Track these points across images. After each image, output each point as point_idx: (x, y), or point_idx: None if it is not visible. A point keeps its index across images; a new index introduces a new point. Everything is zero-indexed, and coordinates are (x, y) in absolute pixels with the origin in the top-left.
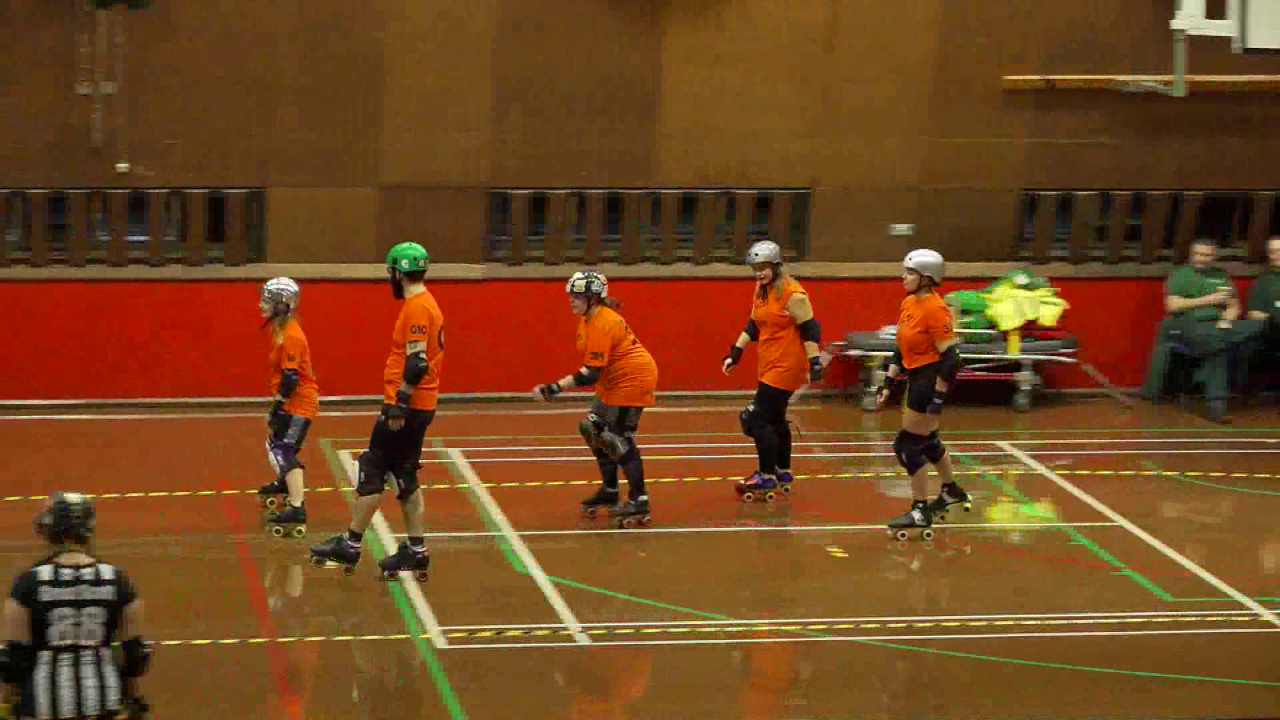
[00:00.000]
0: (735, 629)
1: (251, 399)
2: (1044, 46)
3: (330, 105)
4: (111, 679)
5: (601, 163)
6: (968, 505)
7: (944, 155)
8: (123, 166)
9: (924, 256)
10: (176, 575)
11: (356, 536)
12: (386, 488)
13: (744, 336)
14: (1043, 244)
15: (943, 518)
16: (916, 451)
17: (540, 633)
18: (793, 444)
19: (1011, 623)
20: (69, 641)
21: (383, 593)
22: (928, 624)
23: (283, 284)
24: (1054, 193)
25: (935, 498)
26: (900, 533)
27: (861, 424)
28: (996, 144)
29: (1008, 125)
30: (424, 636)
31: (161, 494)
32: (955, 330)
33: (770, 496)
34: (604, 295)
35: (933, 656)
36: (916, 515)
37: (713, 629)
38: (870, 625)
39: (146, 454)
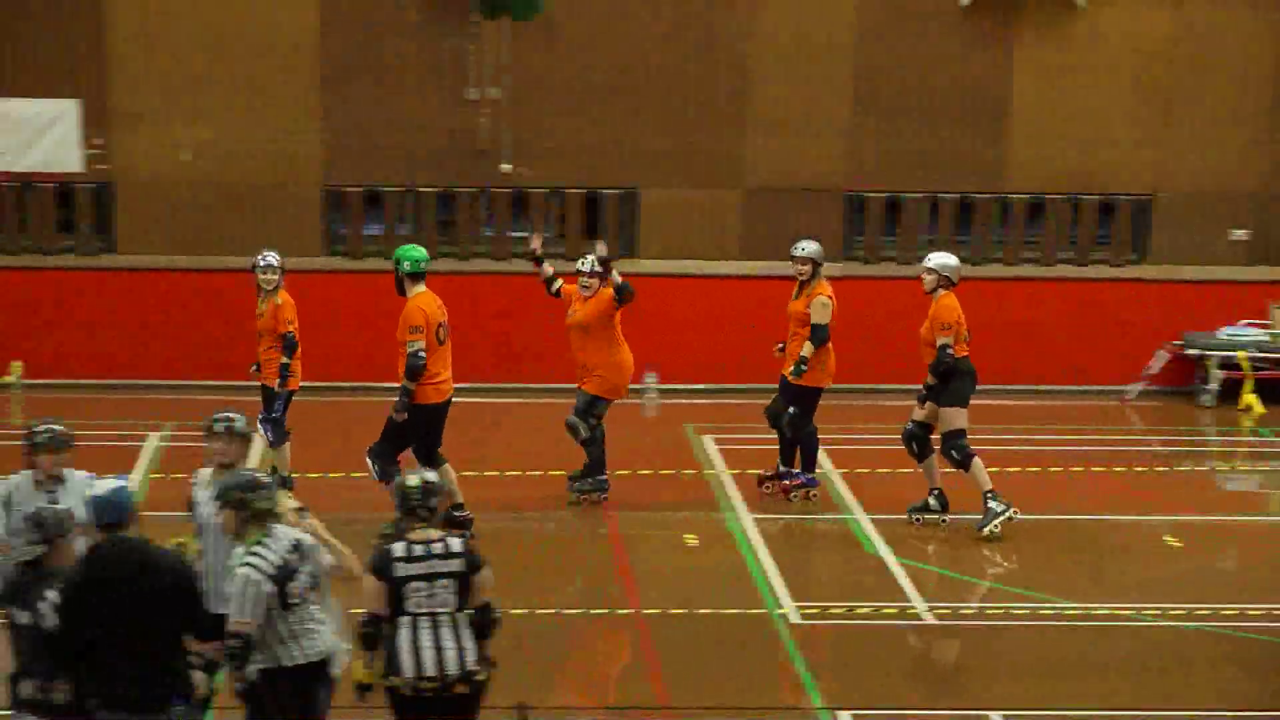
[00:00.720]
0: (1073, 612)
1: (633, 385)
2: None
3: (699, 111)
4: (468, 641)
5: (953, 168)
6: (945, 520)
7: None
8: (506, 167)
9: (943, 258)
10: (550, 549)
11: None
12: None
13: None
14: None
15: (920, 520)
16: (963, 446)
17: (888, 611)
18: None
19: None
20: (425, 610)
21: (742, 569)
22: (1258, 611)
23: (274, 255)
24: None
25: (922, 502)
26: (991, 528)
27: (1196, 420)
28: None
29: None
30: (780, 612)
31: (537, 472)
32: (957, 331)
33: (813, 495)
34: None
35: (1264, 643)
36: (994, 505)
37: (1051, 611)
38: (1202, 611)
39: (527, 434)
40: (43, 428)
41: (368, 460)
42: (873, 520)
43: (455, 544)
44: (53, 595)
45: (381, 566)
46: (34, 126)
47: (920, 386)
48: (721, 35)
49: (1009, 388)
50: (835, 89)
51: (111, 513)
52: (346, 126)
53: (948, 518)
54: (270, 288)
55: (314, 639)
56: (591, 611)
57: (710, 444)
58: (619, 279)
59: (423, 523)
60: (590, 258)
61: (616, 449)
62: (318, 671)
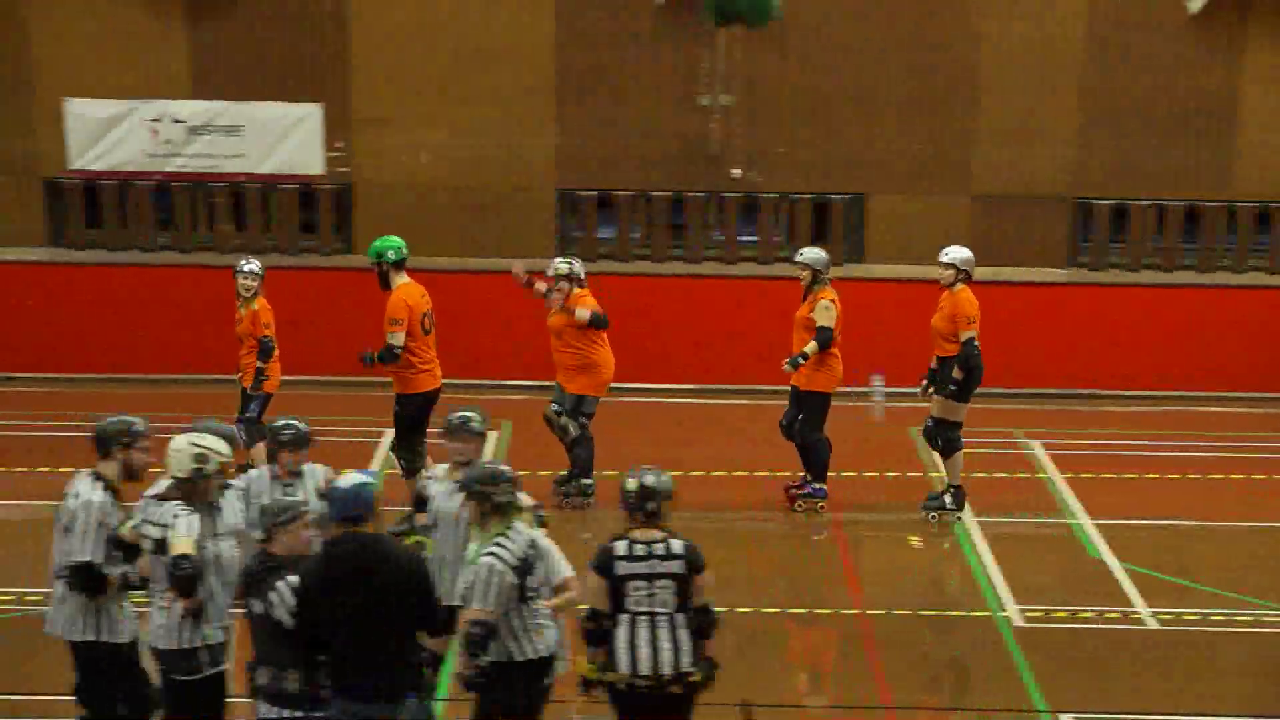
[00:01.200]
0: None
1: (861, 389)
2: None
3: (928, 119)
4: (685, 642)
5: (1180, 175)
6: (959, 517)
7: None
8: (736, 172)
9: (959, 252)
10: (776, 548)
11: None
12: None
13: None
14: None
15: (935, 517)
16: (954, 438)
17: (1111, 615)
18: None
19: None
20: (644, 609)
21: (965, 571)
22: None
23: (256, 262)
24: None
25: (938, 499)
26: (931, 515)
27: None
28: None
29: None
30: (1003, 614)
31: (764, 472)
32: (977, 325)
33: (821, 507)
34: (583, 280)
35: None
36: (947, 499)
37: (1277, 617)
38: None
39: (747, 435)
40: (285, 424)
41: (393, 456)
42: (1096, 524)
43: (677, 545)
44: (283, 585)
45: (603, 564)
46: (278, 129)
47: (945, 383)
48: (951, 42)
49: (1236, 395)
50: (1063, 96)
51: (352, 507)
52: (581, 131)
53: (961, 515)
54: (249, 294)
55: (544, 636)
56: (816, 611)
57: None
58: (586, 315)
59: (646, 522)
60: (557, 264)
61: (842, 451)
62: (544, 669)
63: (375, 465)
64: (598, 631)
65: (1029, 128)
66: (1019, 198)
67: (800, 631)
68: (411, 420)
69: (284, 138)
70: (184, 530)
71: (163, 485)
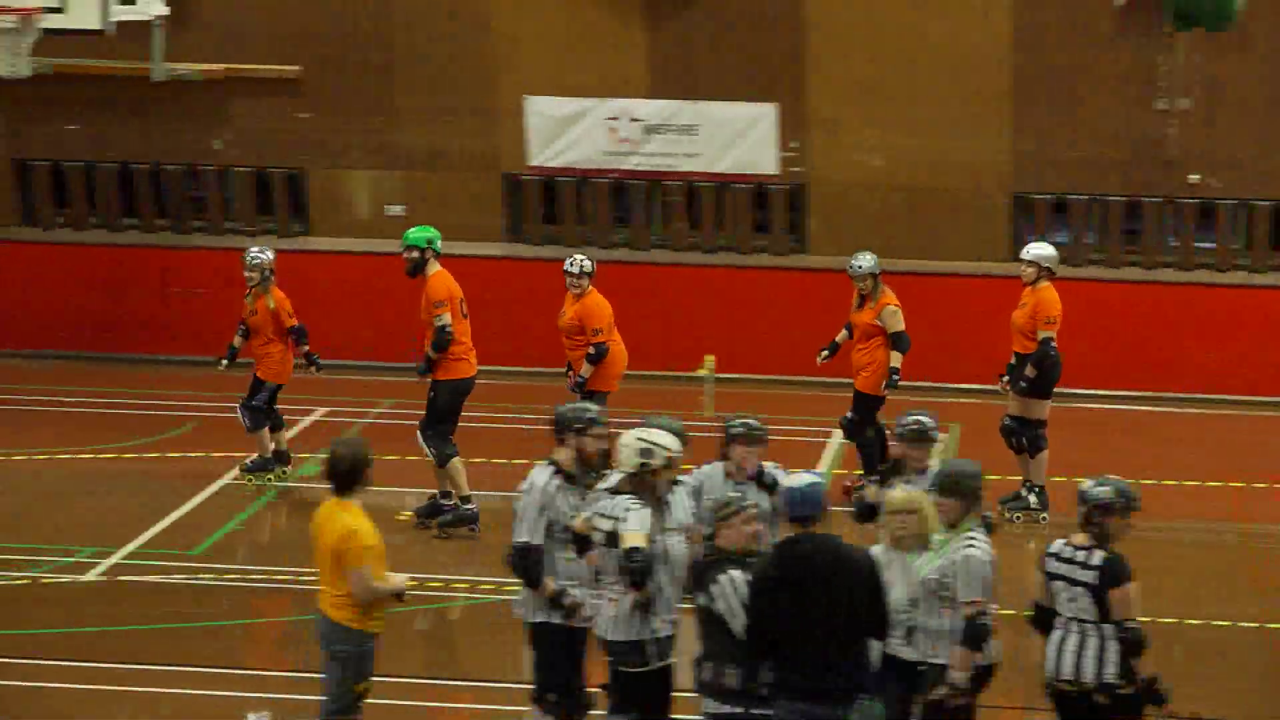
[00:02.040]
0: None
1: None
2: None
3: None
4: (1112, 654)
5: None
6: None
7: None
8: (1194, 178)
9: (1041, 249)
10: (1228, 558)
11: (466, 499)
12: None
13: (843, 333)
14: None
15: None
16: (1039, 435)
17: None
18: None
19: None
20: (1071, 614)
21: None
22: None
23: (265, 253)
24: None
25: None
26: (1015, 514)
27: None
28: None
29: None
30: None
31: (1216, 484)
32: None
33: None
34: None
35: None
36: (1032, 499)
37: None
38: None
39: (1199, 445)
40: (738, 420)
41: (421, 443)
42: None
43: (1096, 557)
44: (724, 579)
45: (1041, 556)
46: (734, 129)
47: (1018, 380)
48: None
49: None
50: None
51: (804, 507)
52: (1036, 134)
53: (1046, 515)
54: (253, 284)
55: (988, 642)
56: (1268, 626)
57: None
58: (584, 373)
59: (1086, 527)
60: (579, 259)
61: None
62: (986, 677)
63: (824, 465)
64: (1037, 620)
65: None
66: None
67: (1252, 645)
68: (446, 407)
69: (739, 137)
70: (635, 524)
71: (614, 479)
